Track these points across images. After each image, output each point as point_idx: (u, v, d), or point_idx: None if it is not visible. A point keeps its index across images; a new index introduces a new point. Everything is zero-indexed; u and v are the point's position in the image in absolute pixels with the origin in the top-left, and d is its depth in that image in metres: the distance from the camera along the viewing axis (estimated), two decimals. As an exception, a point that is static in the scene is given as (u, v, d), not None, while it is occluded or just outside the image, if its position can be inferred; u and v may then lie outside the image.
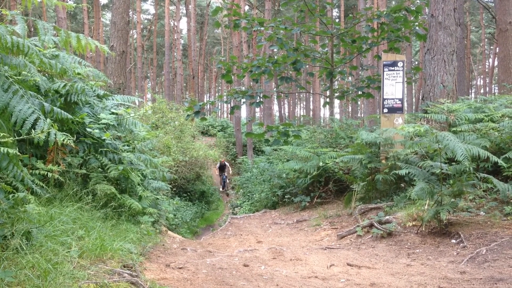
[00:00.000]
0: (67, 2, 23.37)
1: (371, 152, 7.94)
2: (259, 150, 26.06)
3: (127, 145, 5.54)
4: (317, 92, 28.65)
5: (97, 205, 4.42)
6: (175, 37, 37.24)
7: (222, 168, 22.87)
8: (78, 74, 5.38)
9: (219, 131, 30.93)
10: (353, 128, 11.86)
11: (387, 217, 6.33)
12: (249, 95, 12.20)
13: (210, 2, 44.60)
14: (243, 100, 12.41)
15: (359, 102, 39.54)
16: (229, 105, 18.27)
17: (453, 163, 5.58)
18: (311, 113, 42.06)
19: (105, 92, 5.78)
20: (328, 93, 13.32)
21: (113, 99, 5.77)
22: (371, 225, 6.24)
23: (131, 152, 5.44)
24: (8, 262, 2.46)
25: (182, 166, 17.41)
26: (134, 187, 5.36)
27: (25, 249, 2.61)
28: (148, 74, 59.44)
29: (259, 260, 4.93)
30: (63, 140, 2.81)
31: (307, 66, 17.90)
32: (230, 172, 23.35)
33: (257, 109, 39.93)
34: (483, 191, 6.24)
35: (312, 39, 14.19)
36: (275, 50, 14.58)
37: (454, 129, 6.75)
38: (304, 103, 53.06)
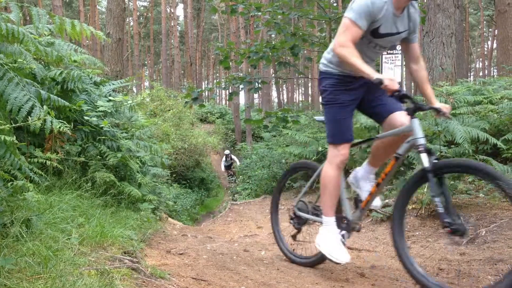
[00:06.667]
0: (62, -11, 23.14)
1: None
2: (258, 137, 26.03)
3: (125, 132, 5.52)
4: (315, 77, 28.57)
5: (96, 193, 4.41)
6: (172, 24, 36.93)
7: (230, 165, 18.49)
8: (75, 61, 5.33)
9: (217, 118, 30.86)
10: (352, 113, 11.81)
11: (387, 200, 6.34)
12: (247, 81, 12.11)
13: (206, -13, 44.17)
14: (241, 86, 12.35)
15: (357, 87, 39.42)
16: (227, 91, 18.17)
17: (452, 146, 5.58)
18: (310, 98, 41.94)
19: (102, 79, 5.74)
20: (326, 78, 13.24)
21: (110, 86, 5.74)
22: (370, 209, 6.24)
23: (130, 139, 5.42)
24: (8, 249, 2.46)
25: (181, 154, 17.44)
26: (133, 174, 5.36)
27: (25, 236, 2.60)
28: (146, 62, 59.13)
29: (259, 245, 4.95)
30: (59, 127, 2.79)
31: (305, 51, 17.76)
32: (238, 164, 18.42)
33: (256, 96, 39.81)
34: (483, 173, 6.23)
35: (310, 24, 14.06)
36: (273, 35, 14.49)
37: (453, 111, 6.73)
38: (303, 88, 52.89)
